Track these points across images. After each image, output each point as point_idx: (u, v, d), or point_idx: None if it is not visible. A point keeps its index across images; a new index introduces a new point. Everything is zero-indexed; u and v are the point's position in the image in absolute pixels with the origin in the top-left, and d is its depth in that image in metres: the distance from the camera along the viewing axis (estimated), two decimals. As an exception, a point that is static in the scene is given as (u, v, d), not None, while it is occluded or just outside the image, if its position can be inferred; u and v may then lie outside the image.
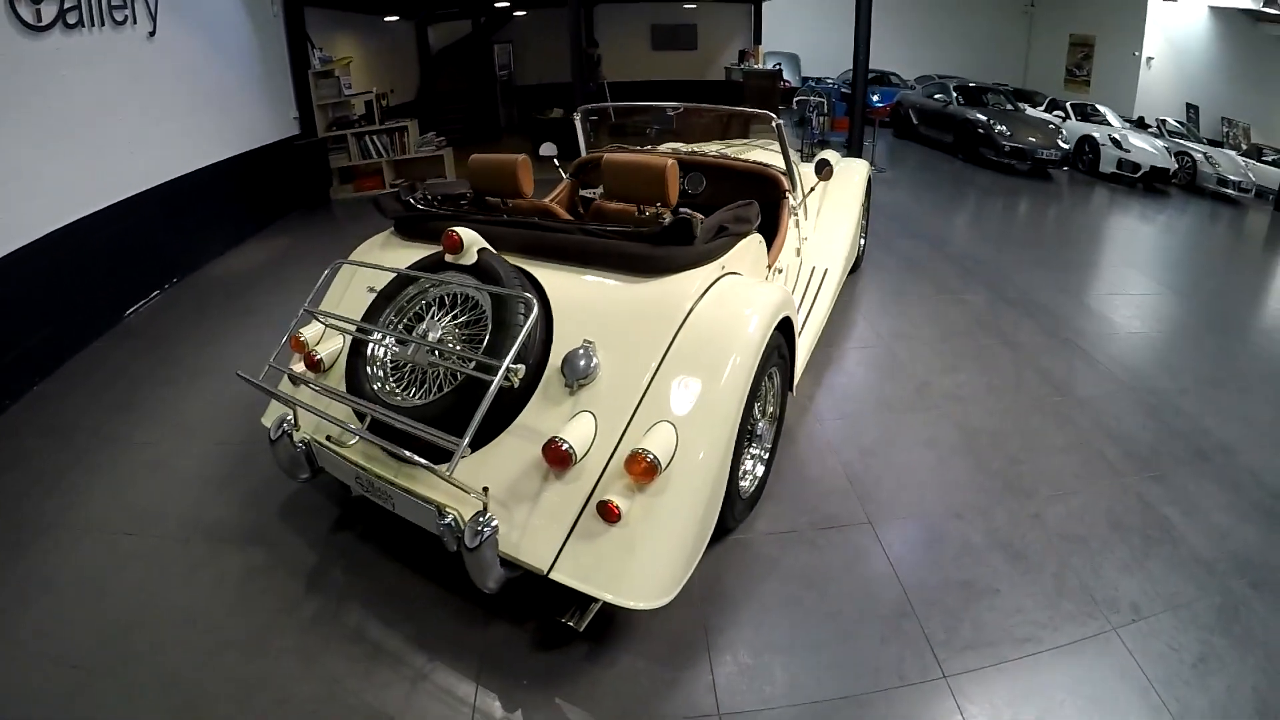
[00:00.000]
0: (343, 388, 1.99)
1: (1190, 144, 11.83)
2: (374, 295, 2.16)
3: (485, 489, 1.63)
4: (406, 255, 2.28)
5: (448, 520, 1.70)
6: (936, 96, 11.58)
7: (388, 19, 9.03)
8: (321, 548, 2.32)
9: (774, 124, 3.42)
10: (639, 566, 1.60)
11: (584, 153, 3.90)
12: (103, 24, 4.26)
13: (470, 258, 1.95)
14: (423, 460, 1.59)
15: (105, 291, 4.25)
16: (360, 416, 1.91)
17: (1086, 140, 10.88)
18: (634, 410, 1.68)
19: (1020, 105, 11.65)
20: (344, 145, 7.02)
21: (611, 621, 1.90)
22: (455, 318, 2.00)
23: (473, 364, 1.72)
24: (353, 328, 2.00)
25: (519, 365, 1.67)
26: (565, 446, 1.64)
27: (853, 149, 7.85)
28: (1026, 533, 2.50)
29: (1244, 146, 13.42)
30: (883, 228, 5.96)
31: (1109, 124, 11.56)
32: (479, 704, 1.71)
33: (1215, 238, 8.65)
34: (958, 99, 11.09)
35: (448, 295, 2.04)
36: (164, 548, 2.27)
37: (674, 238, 1.99)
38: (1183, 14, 13.65)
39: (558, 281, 1.95)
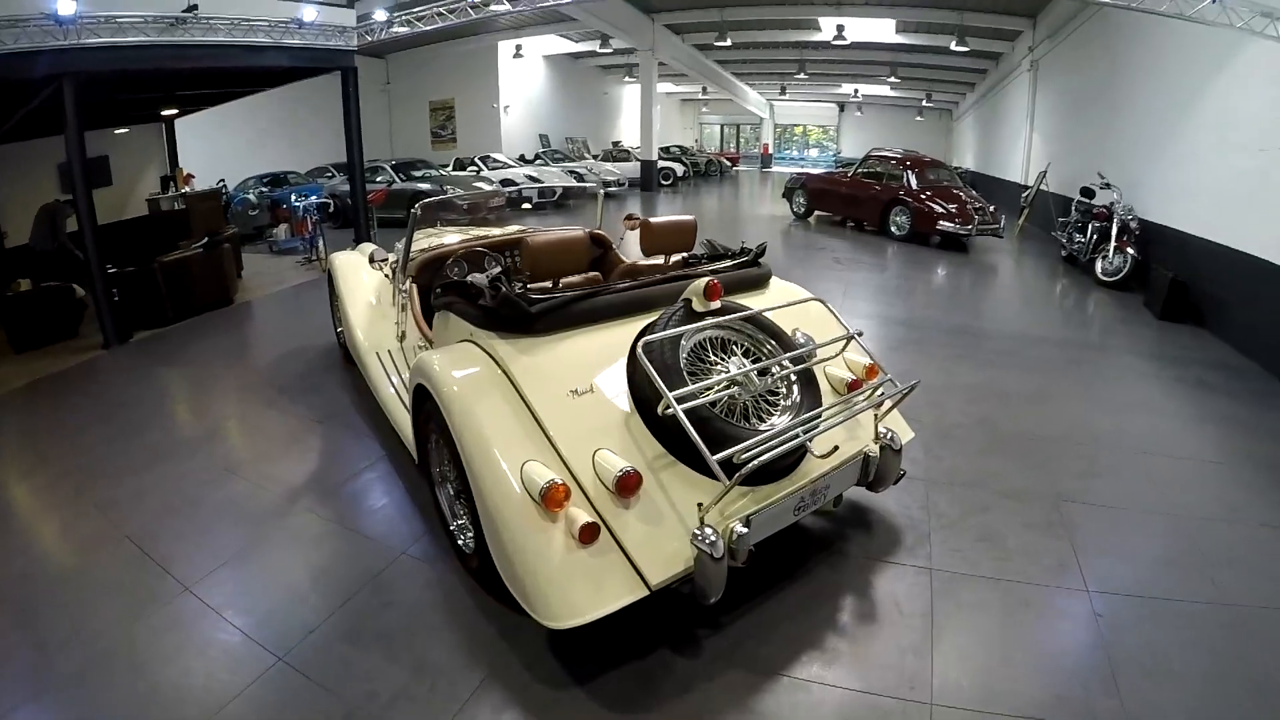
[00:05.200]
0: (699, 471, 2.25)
1: (572, 164, 17.88)
2: (579, 395, 2.34)
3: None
4: (576, 342, 2.53)
5: (874, 455, 2.55)
6: (379, 179, 13.59)
7: None
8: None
9: (598, 194, 4.50)
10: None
11: (410, 253, 3.89)
12: None
13: (717, 303, 2.56)
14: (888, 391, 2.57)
15: None
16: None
17: (506, 182, 14.85)
18: (837, 353, 2.75)
19: (440, 170, 14.87)
20: None
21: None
22: (735, 351, 2.59)
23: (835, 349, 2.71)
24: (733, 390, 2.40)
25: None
26: (859, 378, 2.75)
27: (361, 242, 8.93)
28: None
29: (586, 156, 20.95)
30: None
31: (510, 165, 16.29)
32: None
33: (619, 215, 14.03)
34: (399, 176, 13.39)
35: (706, 341, 2.55)
36: None
37: (758, 260, 3.19)
38: (526, 65, 20.21)
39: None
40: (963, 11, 13.91)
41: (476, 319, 2.63)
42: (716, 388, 2.34)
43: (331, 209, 9.43)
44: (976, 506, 3.21)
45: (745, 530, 2.11)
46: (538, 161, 17.90)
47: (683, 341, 2.45)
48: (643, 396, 2.37)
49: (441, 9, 7.93)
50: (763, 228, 12.57)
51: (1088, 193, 8.81)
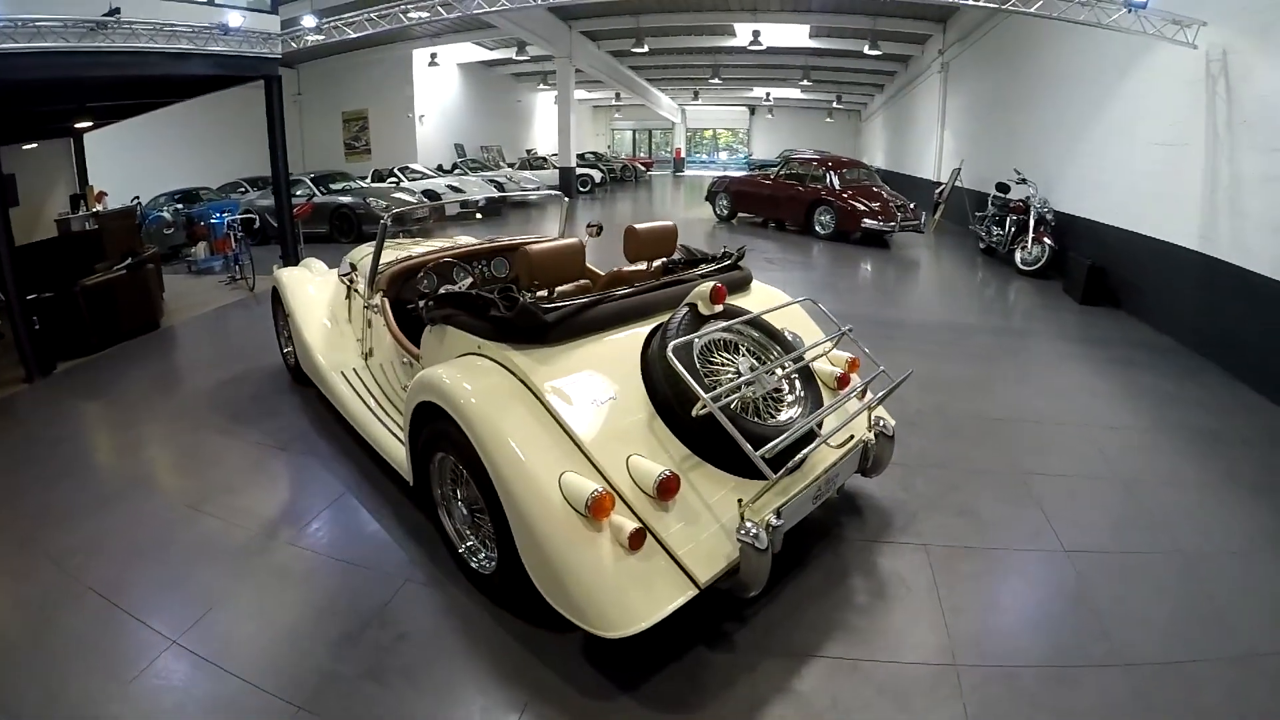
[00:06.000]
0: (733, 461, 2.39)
1: (491, 174, 17.85)
2: (601, 402, 2.39)
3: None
4: (589, 350, 2.57)
5: (872, 443, 2.76)
6: (299, 193, 13.15)
7: None
8: None
9: (563, 202, 4.72)
10: None
11: (379, 265, 3.81)
12: None
13: (720, 307, 2.70)
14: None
15: None
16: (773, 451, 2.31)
17: (428, 193, 14.75)
18: (829, 350, 2.96)
19: (359, 182, 14.62)
20: None
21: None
22: (740, 351, 2.73)
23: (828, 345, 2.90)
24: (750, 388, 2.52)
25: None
26: (845, 371, 3.00)
27: (289, 258, 8.68)
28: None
29: (502, 165, 20.99)
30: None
31: (430, 175, 16.15)
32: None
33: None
34: (319, 189, 13.00)
35: (714, 342, 2.69)
36: None
37: (738, 264, 3.37)
38: (441, 74, 20.02)
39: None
40: (876, 17, 14.71)
41: (485, 331, 2.61)
42: (733, 388, 2.45)
43: (256, 224, 9.09)
44: (950, 485, 3.47)
45: (780, 522, 2.23)
46: (456, 171, 17.76)
47: (694, 343, 2.56)
48: (664, 400, 2.45)
49: (372, 14, 7.79)
50: (691, 230, 12.90)
51: (1003, 188, 9.50)
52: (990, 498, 3.37)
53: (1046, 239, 8.30)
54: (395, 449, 3.20)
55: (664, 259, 3.47)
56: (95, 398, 5.00)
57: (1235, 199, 5.27)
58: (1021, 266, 8.62)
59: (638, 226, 3.26)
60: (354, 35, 7.93)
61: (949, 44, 14.52)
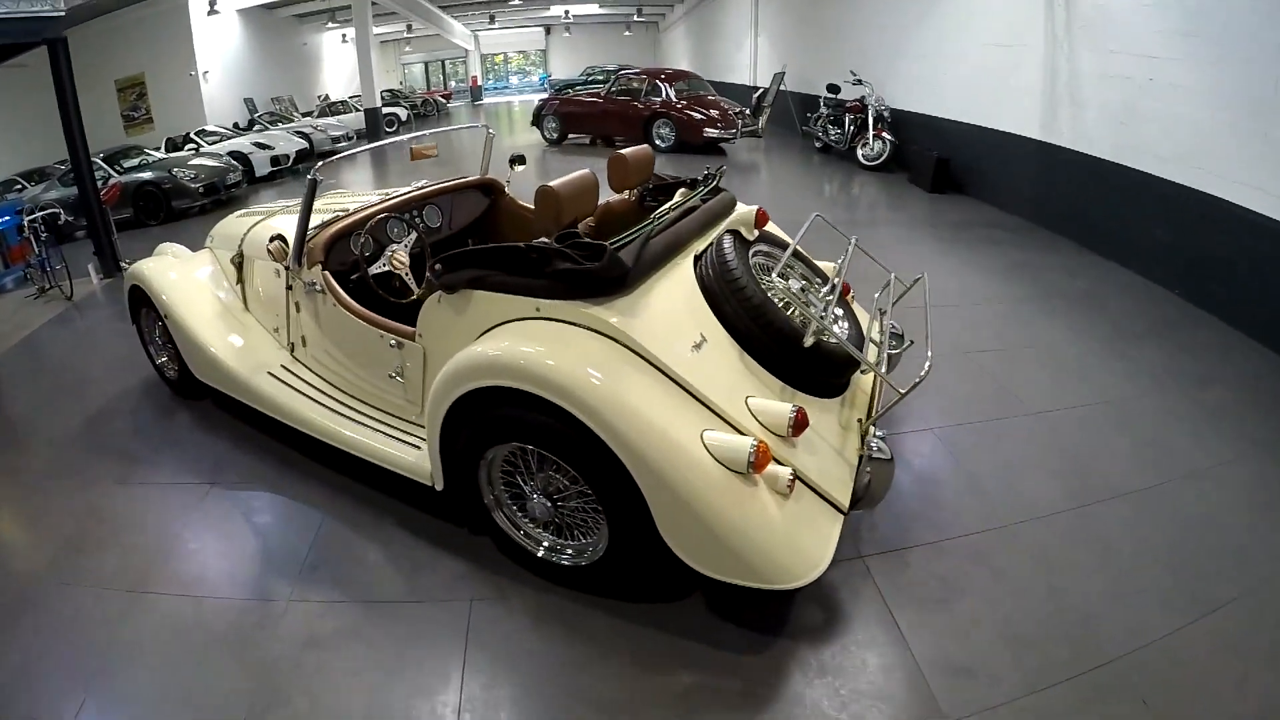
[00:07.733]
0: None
1: (296, 125, 16.23)
2: (699, 346, 2.27)
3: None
4: (657, 291, 2.38)
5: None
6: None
7: None
8: None
9: (487, 134, 4.38)
10: None
11: (308, 228, 3.18)
12: None
13: (758, 232, 2.74)
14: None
15: None
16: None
17: (235, 154, 13.20)
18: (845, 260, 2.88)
19: (154, 154, 12.75)
20: None
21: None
22: (785, 275, 2.63)
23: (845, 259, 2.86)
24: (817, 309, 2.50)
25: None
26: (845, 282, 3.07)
27: (104, 253, 7.52)
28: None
29: (296, 115, 19.03)
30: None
31: (230, 136, 14.39)
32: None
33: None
34: (114, 169, 11.18)
35: (760, 266, 2.66)
36: None
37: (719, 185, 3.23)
38: (221, 24, 17.51)
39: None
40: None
41: (544, 289, 2.26)
42: (794, 309, 2.44)
43: (61, 220, 7.54)
44: (919, 372, 3.80)
45: (883, 433, 2.37)
46: (256, 128, 15.98)
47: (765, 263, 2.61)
48: (747, 331, 2.37)
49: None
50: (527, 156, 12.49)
51: (834, 89, 10.06)
52: (955, 378, 3.74)
53: (886, 135, 8.98)
54: (395, 452, 2.73)
55: (640, 186, 3.35)
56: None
57: (1075, 93, 5.95)
58: (864, 162, 9.29)
59: (624, 153, 3.06)
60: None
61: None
